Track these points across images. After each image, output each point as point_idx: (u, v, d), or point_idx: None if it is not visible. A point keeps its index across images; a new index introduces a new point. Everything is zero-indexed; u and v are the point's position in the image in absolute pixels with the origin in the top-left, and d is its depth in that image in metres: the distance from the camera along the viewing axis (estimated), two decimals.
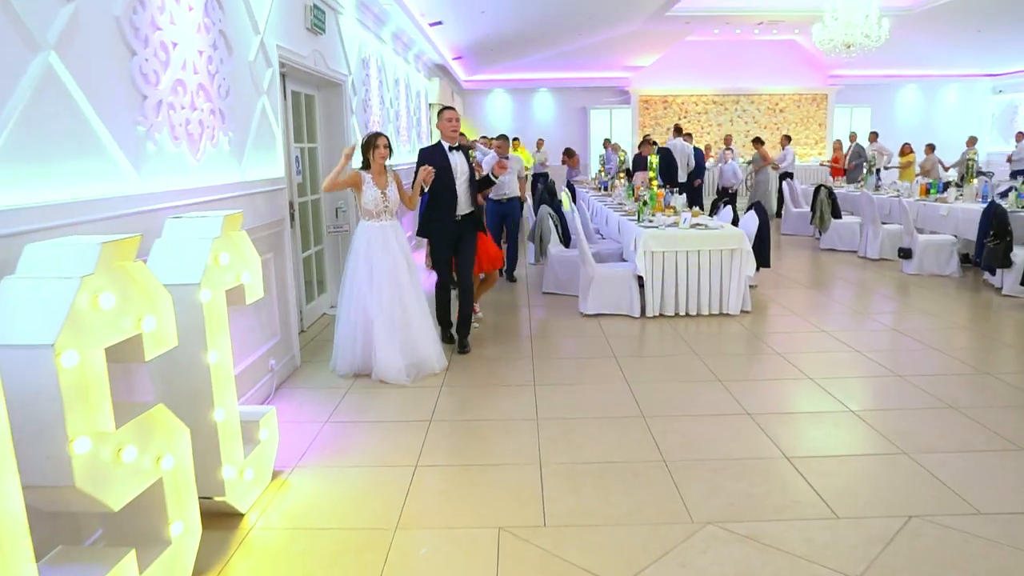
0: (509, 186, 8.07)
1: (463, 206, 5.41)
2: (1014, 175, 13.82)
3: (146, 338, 2.34)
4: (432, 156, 5.26)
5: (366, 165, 4.85)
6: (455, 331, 5.60)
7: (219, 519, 3.01)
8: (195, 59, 3.79)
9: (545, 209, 7.93)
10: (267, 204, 4.79)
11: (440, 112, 5.39)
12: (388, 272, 4.77)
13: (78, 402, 1.99)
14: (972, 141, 13.67)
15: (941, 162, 13.80)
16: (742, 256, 6.40)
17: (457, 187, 5.32)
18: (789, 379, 4.76)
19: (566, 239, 8.21)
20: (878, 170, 11.88)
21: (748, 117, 19.51)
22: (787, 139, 13.93)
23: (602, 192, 11.54)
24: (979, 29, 15.17)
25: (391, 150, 4.92)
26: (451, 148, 5.35)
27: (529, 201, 9.85)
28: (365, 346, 4.82)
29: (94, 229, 2.76)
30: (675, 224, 6.72)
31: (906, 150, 13.45)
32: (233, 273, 3.05)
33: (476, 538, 2.88)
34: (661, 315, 6.47)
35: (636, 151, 13.36)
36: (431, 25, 11.17)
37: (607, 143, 15.79)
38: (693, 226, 6.64)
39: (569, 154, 12.79)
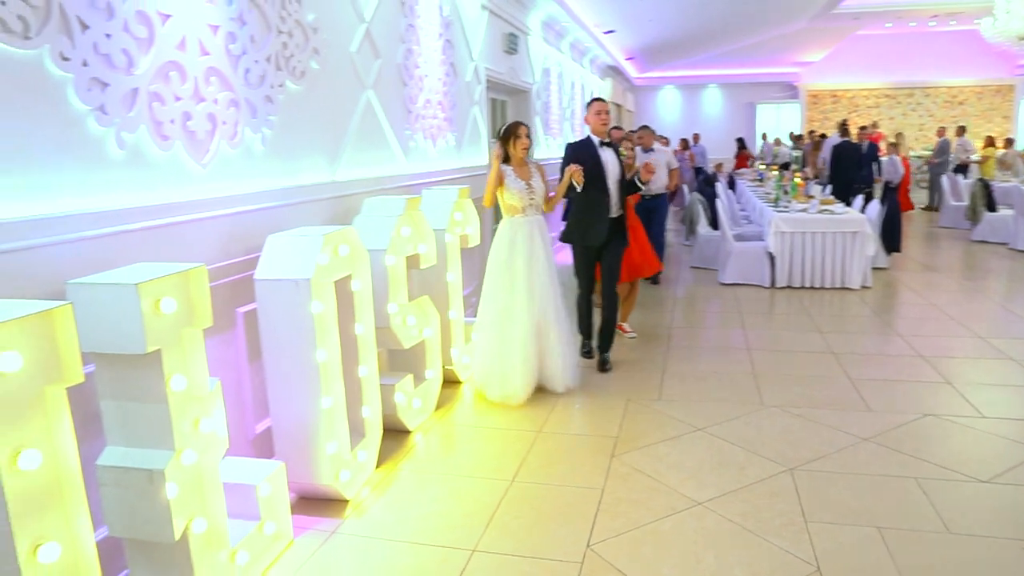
0: (656, 181, 7.52)
1: (613, 207, 4.88)
2: None
3: (422, 256, 4.12)
4: (580, 152, 4.77)
5: (506, 158, 4.52)
6: (596, 345, 5.15)
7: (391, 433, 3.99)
8: (436, 84, 5.59)
9: (695, 196, 9.23)
10: (478, 182, 6.57)
11: (589, 104, 4.93)
12: (531, 272, 4.45)
13: (393, 280, 3.77)
14: None
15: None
16: (863, 238, 7.37)
17: (609, 186, 4.84)
18: (877, 333, 5.84)
19: (715, 222, 9.45)
20: (961, 166, 11.91)
21: (923, 111, 19.20)
22: (962, 130, 14.02)
23: (757, 183, 12.49)
24: None
25: (531, 140, 4.66)
26: (601, 143, 4.85)
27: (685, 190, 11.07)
28: (503, 358, 4.45)
29: (386, 191, 4.58)
30: (805, 209, 7.79)
31: (987, 143, 13.22)
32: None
33: (610, 404, 4.42)
34: (788, 287, 7.59)
35: (793, 144, 14.13)
36: (605, 33, 12.68)
37: (765, 137, 16.51)
38: (821, 211, 7.68)
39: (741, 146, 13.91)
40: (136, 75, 2.62)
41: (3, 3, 2.12)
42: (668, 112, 21.13)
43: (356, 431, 3.44)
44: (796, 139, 15.88)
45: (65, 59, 2.31)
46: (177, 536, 2.26)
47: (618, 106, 17.32)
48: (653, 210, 7.78)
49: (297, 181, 3.71)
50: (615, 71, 16.18)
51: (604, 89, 15.28)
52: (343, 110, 4.21)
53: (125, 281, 2.12)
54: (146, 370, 2.21)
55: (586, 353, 5.21)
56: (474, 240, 4.94)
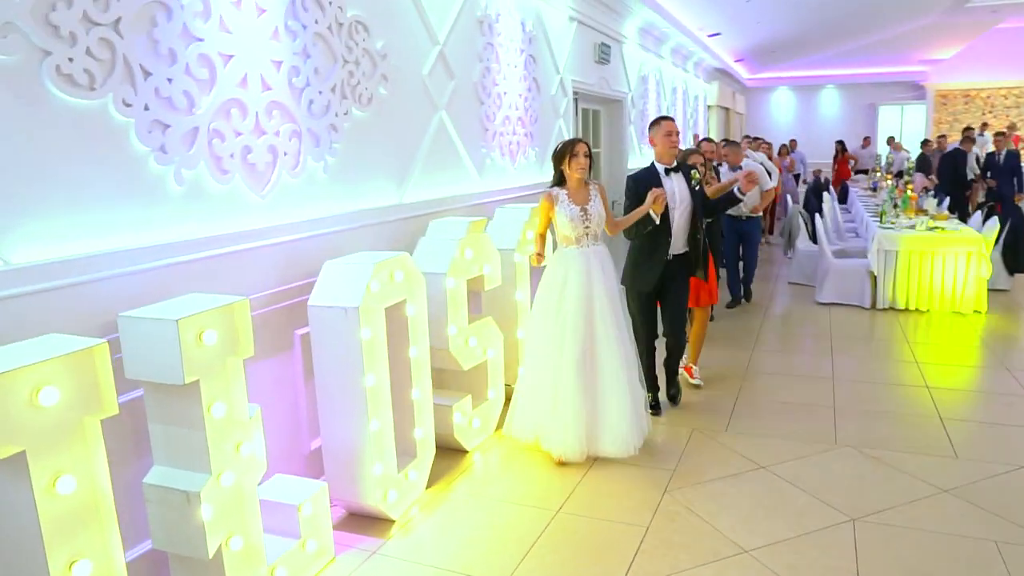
0: (749, 202, 6.83)
1: (677, 244, 4.35)
2: None
3: (486, 278, 4.15)
4: (643, 184, 4.19)
5: (559, 180, 3.98)
6: (666, 394, 4.71)
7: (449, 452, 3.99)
8: (516, 100, 5.61)
9: (795, 207, 8.81)
10: None
11: (654, 124, 4.33)
12: (586, 312, 3.86)
13: (453, 303, 3.82)
14: None
15: None
16: (979, 259, 6.79)
17: (673, 220, 4.30)
18: (983, 367, 5.37)
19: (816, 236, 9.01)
20: None
21: None
22: None
23: (870, 192, 11.77)
24: None
25: (591, 159, 4.06)
26: (668, 170, 4.31)
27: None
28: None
29: (456, 211, 4.64)
30: (913, 226, 7.27)
31: None
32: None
33: (674, 433, 4.30)
34: (891, 308, 7.11)
35: (921, 151, 13.17)
36: (710, 36, 12.31)
37: (891, 141, 15.48)
38: (931, 228, 7.15)
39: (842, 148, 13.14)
40: (197, 115, 2.78)
41: (71, 59, 2.31)
42: (782, 114, 20.25)
43: (407, 452, 3.52)
44: (924, 145, 14.84)
45: (127, 105, 2.50)
46: (211, 554, 2.40)
47: (726, 110, 16.78)
48: (746, 234, 7.30)
49: (360, 205, 3.83)
50: (723, 74, 15.68)
51: (710, 92, 14.85)
52: (412, 132, 4.30)
53: (167, 316, 2.27)
54: (187, 398, 2.36)
55: (654, 408, 4.56)
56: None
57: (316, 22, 3.40)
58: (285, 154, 3.26)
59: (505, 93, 5.41)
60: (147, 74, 2.56)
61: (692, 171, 4.44)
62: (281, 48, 3.21)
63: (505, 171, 5.51)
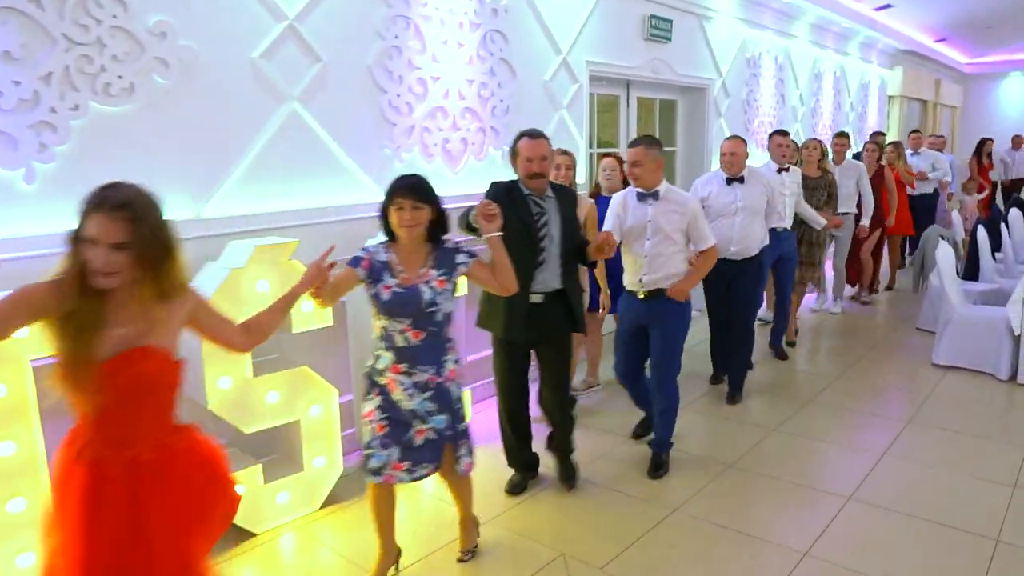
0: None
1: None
2: None
3: (293, 318, 3.17)
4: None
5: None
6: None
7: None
8: (463, 87, 4.46)
9: (935, 229, 6.60)
10: None
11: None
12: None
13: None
14: None
15: None
16: None
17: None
18: None
19: (973, 269, 6.74)
20: None
21: None
22: None
23: None
24: None
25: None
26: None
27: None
28: None
29: (337, 227, 3.66)
30: None
31: None
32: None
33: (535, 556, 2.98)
34: None
35: None
36: (877, 10, 9.96)
37: None
38: None
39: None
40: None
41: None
42: (1011, 106, 16.38)
43: None
44: None
45: None
46: None
47: (922, 102, 13.79)
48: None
49: None
50: (915, 56, 12.82)
51: (893, 79, 12.17)
52: (229, 129, 3.38)
53: None
54: None
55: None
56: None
57: None
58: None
59: (437, 79, 4.28)
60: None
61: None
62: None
63: (440, 176, 4.39)
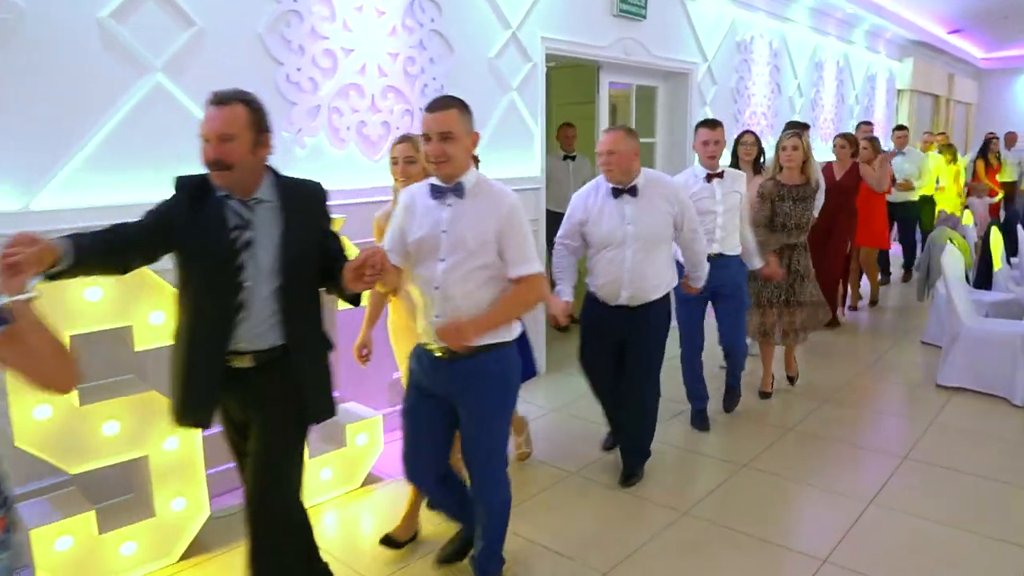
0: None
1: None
2: None
3: (135, 332, 2.54)
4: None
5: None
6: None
7: None
8: (385, 63, 3.83)
9: (942, 232, 5.90)
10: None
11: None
12: None
13: None
14: None
15: None
16: None
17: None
18: None
19: (986, 276, 6.08)
20: None
21: None
22: None
23: None
24: None
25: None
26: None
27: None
28: None
29: None
30: None
31: None
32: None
33: None
34: None
35: None
36: None
37: None
38: None
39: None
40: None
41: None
42: None
43: None
44: None
45: None
46: None
47: (935, 97, 13.03)
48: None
49: None
50: (927, 48, 12.05)
51: (902, 72, 11.43)
52: (65, 106, 2.77)
53: None
54: None
55: None
56: None
57: None
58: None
59: (350, 51, 3.65)
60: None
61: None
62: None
63: (354, 165, 3.76)
